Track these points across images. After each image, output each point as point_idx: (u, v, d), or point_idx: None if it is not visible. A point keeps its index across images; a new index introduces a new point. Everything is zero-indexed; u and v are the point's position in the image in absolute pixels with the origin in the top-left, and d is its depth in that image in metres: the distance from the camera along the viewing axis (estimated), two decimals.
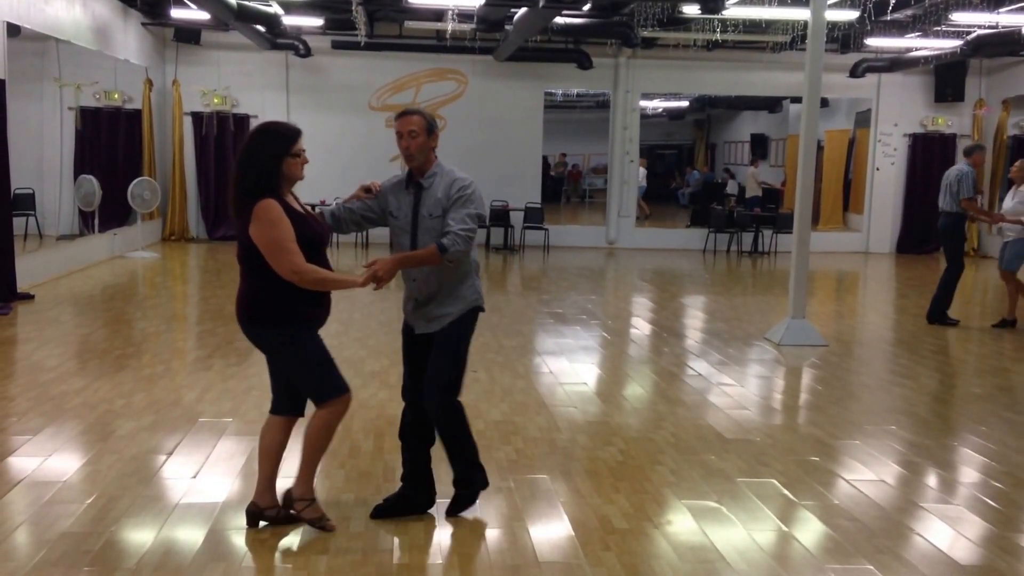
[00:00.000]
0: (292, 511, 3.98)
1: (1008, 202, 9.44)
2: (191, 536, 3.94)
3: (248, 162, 3.72)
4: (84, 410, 5.72)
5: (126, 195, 13.47)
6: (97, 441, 5.15)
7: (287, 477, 4.15)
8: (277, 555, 3.80)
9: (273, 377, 4.02)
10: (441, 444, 4.20)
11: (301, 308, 3.78)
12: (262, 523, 4.03)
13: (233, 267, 14.49)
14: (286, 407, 4.01)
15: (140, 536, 3.94)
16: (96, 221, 13.04)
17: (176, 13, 13.25)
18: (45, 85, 13.55)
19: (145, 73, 14.69)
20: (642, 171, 22.98)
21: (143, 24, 14.37)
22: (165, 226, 15.71)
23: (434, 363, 4.06)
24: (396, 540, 3.95)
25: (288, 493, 4.00)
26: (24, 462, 4.79)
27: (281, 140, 3.73)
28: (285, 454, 4.07)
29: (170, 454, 4.97)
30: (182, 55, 15.53)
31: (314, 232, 3.81)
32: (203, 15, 12.72)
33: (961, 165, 9.47)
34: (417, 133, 3.97)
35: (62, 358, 7.13)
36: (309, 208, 4.02)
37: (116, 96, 14.63)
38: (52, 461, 4.83)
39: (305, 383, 3.88)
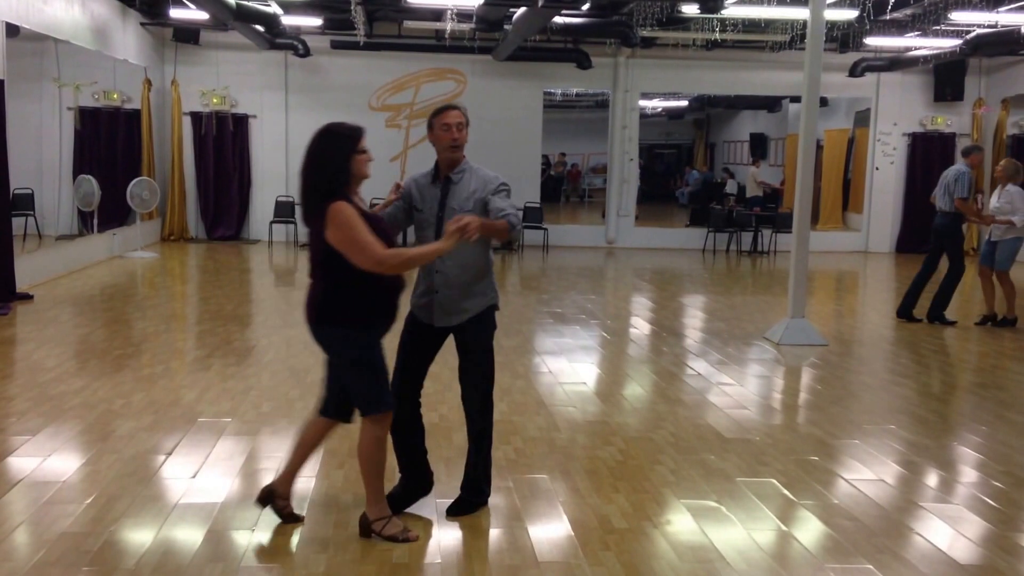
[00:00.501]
0: (374, 533, 3.91)
1: (994, 202, 9.45)
2: (190, 536, 3.94)
3: (318, 166, 3.71)
4: (83, 410, 5.71)
5: (125, 195, 13.47)
6: (96, 441, 5.14)
7: (308, 477, 4.16)
8: (276, 554, 3.80)
9: (330, 379, 4.01)
10: (471, 444, 4.25)
11: (373, 313, 3.81)
12: (268, 513, 4.05)
13: (231, 268, 14.39)
14: (334, 411, 4.02)
15: (139, 536, 3.93)
16: (95, 221, 13.04)
17: (175, 13, 13.25)
18: (44, 85, 13.55)
19: (144, 73, 14.69)
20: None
21: (142, 24, 14.36)
22: (164, 226, 15.70)
23: (469, 369, 4.20)
24: None
25: (363, 519, 3.94)
26: (23, 462, 4.79)
27: (347, 140, 3.73)
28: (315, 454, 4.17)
29: (169, 454, 4.97)
30: (181, 55, 15.52)
31: (383, 232, 3.82)
32: (202, 15, 12.72)
33: (960, 165, 9.47)
34: (463, 125, 4.12)
35: (61, 358, 7.13)
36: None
37: (115, 96, 14.63)
38: (51, 461, 4.82)
39: (359, 390, 3.86)
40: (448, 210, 4.05)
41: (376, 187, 18.19)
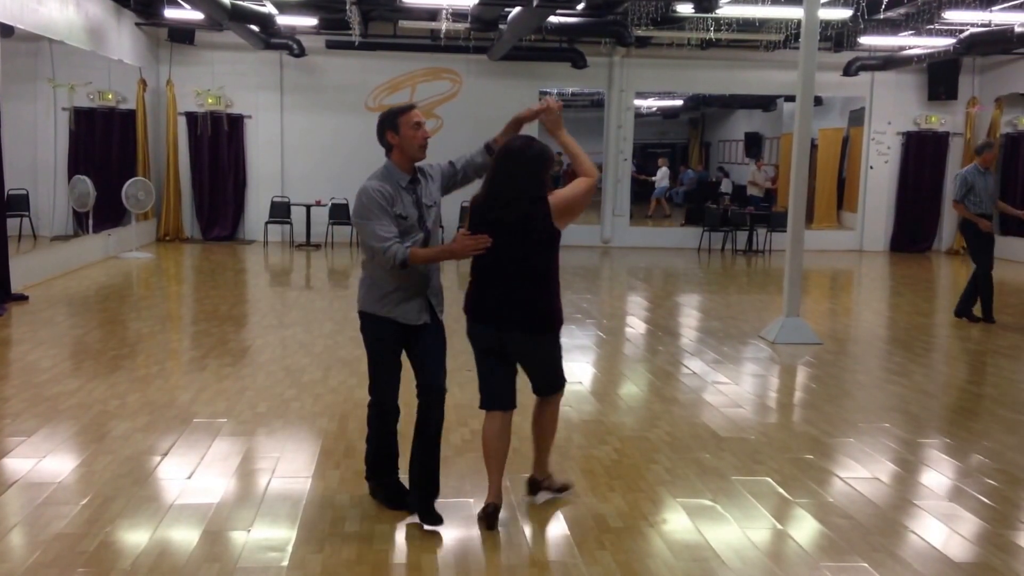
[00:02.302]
0: (544, 490, 4.45)
1: None
2: (186, 537, 3.94)
3: (538, 180, 4.01)
4: (79, 411, 5.71)
5: (120, 196, 13.44)
6: (92, 442, 5.14)
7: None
8: (272, 555, 3.80)
9: (509, 378, 4.20)
10: (433, 442, 4.16)
11: None
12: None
13: (227, 268, 14.34)
14: (513, 402, 4.24)
15: (135, 537, 3.93)
16: (90, 222, 13.02)
17: (170, 13, 13.22)
18: (39, 86, 13.52)
19: (139, 73, 14.66)
20: (664, 171, 23.13)
21: (137, 24, 14.33)
22: (159, 227, 15.68)
23: (440, 356, 4.16)
24: (392, 539, 3.95)
25: (533, 480, 4.45)
26: (19, 463, 4.78)
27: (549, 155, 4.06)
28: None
29: (165, 455, 4.97)
30: (176, 55, 15.49)
31: None
32: (197, 15, 12.70)
33: (969, 166, 9.55)
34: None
35: (57, 359, 7.12)
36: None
37: (110, 96, 14.61)
38: (47, 462, 4.82)
39: (557, 372, 4.28)
40: (424, 207, 4.05)
41: None
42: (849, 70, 16.30)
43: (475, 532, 4.06)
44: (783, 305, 8.70)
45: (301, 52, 15.41)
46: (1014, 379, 7.45)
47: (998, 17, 12.36)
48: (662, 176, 23.04)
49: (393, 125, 4.02)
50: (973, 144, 16.69)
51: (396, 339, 4.13)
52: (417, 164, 4.12)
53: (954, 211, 9.46)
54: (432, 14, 13.62)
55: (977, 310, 9.60)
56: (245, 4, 12.31)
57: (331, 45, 15.60)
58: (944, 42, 13.93)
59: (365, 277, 4.17)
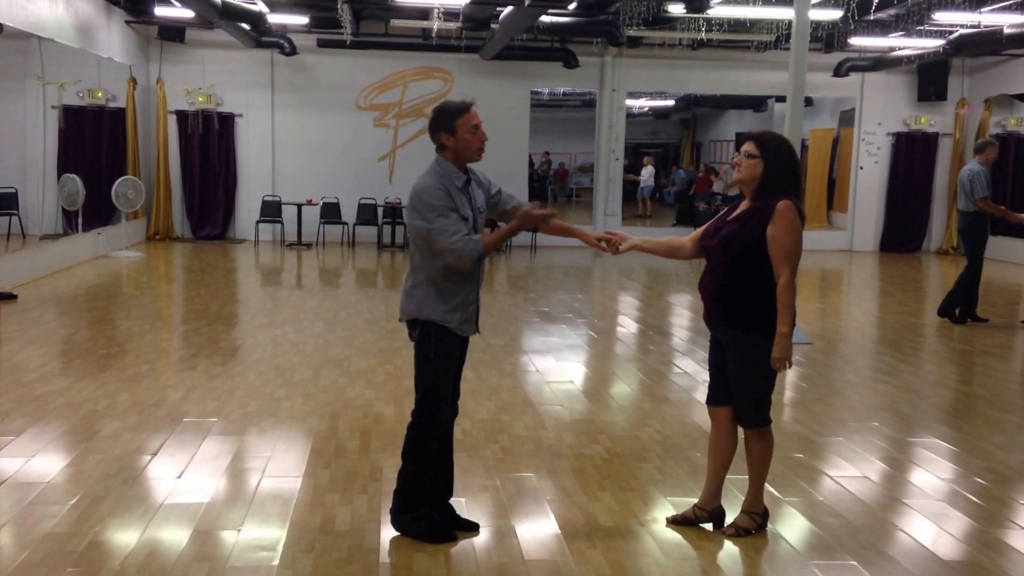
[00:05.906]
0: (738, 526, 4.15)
1: None
2: (176, 536, 3.92)
3: (787, 159, 3.89)
4: (68, 410, 5.69)
5: (110, 194, 13.40)
6: (81, 441, 5.12)
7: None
8: (263, 554, 3.79)
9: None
10: (451, 461, 4.16)
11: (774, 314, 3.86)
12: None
13: (217, 267, 14.30)
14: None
15: (124, 536, 3.92)
16: (80, 220, 12.97)
17: (160, 11, 13.17)
18: (28, 83, 13.47)
19: (129, 71, 14.60)
20: (650, 170, 23.18)
21: (127, 22, 14.27)
22: (149, 225, 15.62)
23: (460, 376, 4.16)
24: (382, 538, 3.95)
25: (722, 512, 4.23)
26: (7, 463, 4.76)
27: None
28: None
29: (155, 454, 4.95)
30: (166, 53, 15.44)
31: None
32: (187, 13, 12.66)
33: (972, 164, 9.56)
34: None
35: (45, 358, 7.09)
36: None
37: (100, 94, 14.55)
38: (35, 462, 4.80)
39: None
40: (477, 211, 3.89)
41: (367, 188, 18.22)
42: (839, 71, 16.36)
43: (467, 531, 4.06)
44: None
45: (292, 51, 15.37)
46: (1003, 378, 7.49)
47: (987, 18, 12.43)
48: (648, 176, 23.11)
49: (449, 127, 3.74)
50: (962, 144, 16.81)
51: (459, 350, 3.99)
52: (468, 165, 3.90)
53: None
54: (424, 13, 13.61)
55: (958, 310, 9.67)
56: (236, 2, 12.27)
57: (322, 44, 15.57)
58: (934, 43, 13.99)
59: (422, 283, 3.84)
